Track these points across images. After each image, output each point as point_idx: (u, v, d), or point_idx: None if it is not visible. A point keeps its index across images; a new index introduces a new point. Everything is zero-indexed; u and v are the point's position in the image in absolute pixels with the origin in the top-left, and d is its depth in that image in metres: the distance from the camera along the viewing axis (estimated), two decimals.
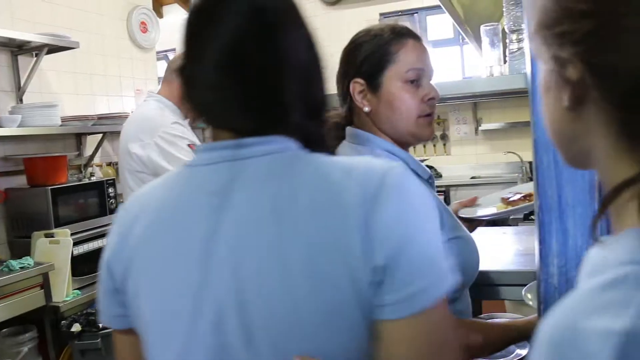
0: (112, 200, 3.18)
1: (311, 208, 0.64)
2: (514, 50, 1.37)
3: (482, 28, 1.46)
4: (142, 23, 4.00)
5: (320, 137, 0.75)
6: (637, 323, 0.37)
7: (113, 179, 3.25)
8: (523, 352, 1.29)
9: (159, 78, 4.33)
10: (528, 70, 1.37)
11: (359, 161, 0.70)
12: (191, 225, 0.69)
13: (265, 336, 0.63)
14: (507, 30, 1.41)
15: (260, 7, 0.69)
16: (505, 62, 1.47)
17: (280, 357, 0.63)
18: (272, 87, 0.69)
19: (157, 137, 1.95)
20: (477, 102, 4.60)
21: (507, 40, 1.42)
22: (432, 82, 1.23)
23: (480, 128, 4.68)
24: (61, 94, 3.35)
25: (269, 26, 0.69)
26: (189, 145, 1.97)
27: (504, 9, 1.40)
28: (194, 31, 0.72)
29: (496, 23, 1.43)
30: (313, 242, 0.63)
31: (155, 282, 0.71)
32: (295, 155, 0.70)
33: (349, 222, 0.63)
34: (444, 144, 4.84)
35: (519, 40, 1.38)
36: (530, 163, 4.01)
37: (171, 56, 5.70)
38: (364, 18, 4.65)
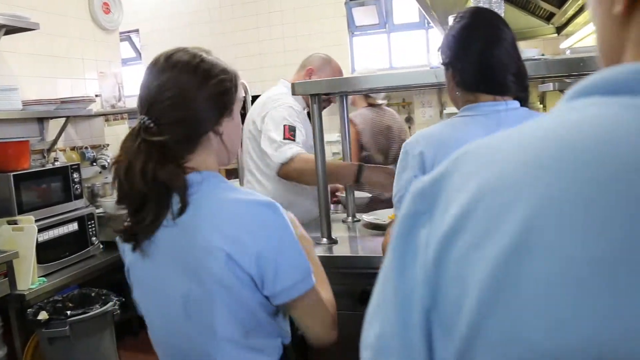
0: (77, 186, 3.12)
1: None
2: None
3: (450, 19, 1.49)
4: (105, 4, 3.90)
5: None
6: None
7: (78, 164, 3.18)
8: None
9: (122, 60, 4.23)
10: None
11: None
12: None
13: None
14: None
15: None
16: None
17: None
18: None
19: (269, 112, 2.17)
20: (442, 87, 4.63)
21: None
22: (399, 69, 1.26)
23: (445, 111, 4.74)
24: (21, 76, 3.25)
25: None
26: (290, 130, 2.11)
27: (471, 1, 1.43)
28: None
29: None
30: None
31: None
32: None
33: None
34: (409, 127, 4.90)
35: None
36: None
37: (134, 37, 5.57)
38: (330, 0, 4.63)
